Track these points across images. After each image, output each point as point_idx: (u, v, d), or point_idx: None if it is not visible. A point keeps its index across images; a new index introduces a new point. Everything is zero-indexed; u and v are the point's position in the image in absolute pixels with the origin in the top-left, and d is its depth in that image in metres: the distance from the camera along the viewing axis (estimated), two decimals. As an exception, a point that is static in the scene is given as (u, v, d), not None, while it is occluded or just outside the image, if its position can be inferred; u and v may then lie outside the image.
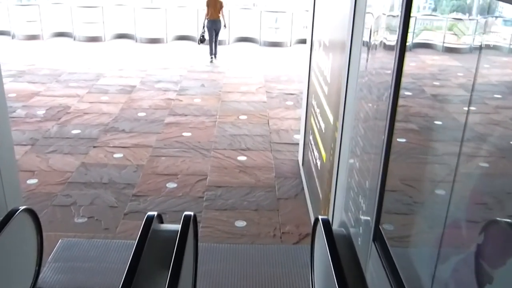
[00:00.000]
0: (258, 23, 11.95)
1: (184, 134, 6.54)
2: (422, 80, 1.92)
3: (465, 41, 1.61)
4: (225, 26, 10.33)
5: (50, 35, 12.11)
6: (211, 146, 6.17)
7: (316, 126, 4.31)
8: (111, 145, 6.12)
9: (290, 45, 11.68)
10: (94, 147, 6.05)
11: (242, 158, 5.78)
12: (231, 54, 11.10)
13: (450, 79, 1.79)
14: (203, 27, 10.33)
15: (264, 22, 12.18)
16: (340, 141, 3.03)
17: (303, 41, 11.89)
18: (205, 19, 10.20)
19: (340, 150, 3.03)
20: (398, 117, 1.95)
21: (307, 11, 12.46)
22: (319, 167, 4.10)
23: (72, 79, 8.84)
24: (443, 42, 1.78)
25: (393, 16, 1.97)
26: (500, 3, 1.25)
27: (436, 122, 1.84)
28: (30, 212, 2.91)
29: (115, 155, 5.76)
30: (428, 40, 1.93)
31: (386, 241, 2.10)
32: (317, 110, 4.31)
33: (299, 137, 5.75)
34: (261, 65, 10.04)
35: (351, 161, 2.68)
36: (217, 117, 7.17)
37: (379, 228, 2.17)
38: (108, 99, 7.84)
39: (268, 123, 6.97)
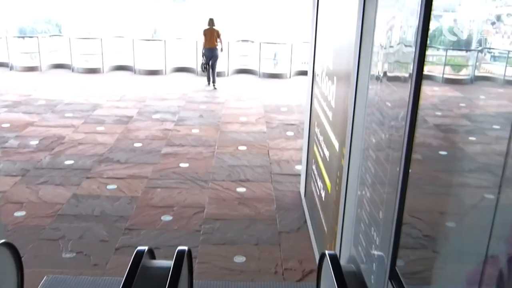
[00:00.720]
0: (257, 54, 11.91)
1: (182, 165, 6.32)
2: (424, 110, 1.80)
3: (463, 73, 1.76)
4: (222, 50, 10.60)
5: (48, 66, 12.06)
6: (209, 177, 5.94)
7: (320, 155, 4.11)
8: (105, 176, 5.89)
9: (290, 77, 11.62)
10: (87, 178, 5.81)
11: (241, 189, 5.54)
12: (230, 85, 11.00)
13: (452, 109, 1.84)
14: (202, 56, 10.51)
15: (263, 54, 12.15)
16: (347, 169, 2.82)
17: (303, 73, 11.90)
18: (203, 48, 10.40)
19: (348, 178, 2.81)
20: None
21: (306, 42, 12.50)
22: (323, 198, 3.87)
23: (68, 109, 8.68)
24: (443, 74, 1.85)
25: (406, 46, 1.85)
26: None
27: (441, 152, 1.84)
28: (10, 246, 2.66)
29: (109, 187, 5.52)
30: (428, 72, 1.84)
31: (403, 280, 1.87)
32: (321, 138, 4.12)
33: (301, 168, 5.54)
34: (260, 96, 9.92)
35: (361, 190, 2.46)
36: (216, 147, 6.97)
37: (396, 265, 1.94)
38: (104, 130, 7.66)
39: (269, 154, 6.77)
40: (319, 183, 4.15)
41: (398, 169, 1.87)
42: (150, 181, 5.72)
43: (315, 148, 4.52)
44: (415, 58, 1.74)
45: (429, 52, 1.68)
